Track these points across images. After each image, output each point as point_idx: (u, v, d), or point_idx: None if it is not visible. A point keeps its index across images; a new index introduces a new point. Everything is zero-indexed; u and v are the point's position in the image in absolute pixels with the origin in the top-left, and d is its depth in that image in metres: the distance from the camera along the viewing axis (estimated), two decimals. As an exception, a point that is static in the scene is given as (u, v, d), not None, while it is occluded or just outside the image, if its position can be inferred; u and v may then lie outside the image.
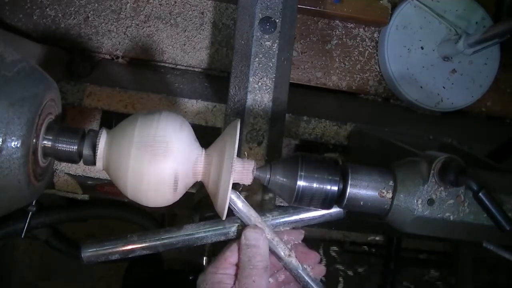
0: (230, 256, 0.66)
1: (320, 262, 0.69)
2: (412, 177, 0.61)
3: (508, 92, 1.17)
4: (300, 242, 0.69)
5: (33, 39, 1.01)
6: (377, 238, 1.78)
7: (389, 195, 0.61)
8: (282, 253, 0.66)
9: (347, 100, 1.12)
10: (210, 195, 0.64)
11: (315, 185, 0.61)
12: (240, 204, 0.66)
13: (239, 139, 0.64)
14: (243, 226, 0.68)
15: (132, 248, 0.69)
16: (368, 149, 0.97)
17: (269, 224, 0.69)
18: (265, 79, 0.83)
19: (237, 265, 0.65)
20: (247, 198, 0.68)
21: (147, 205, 0.62)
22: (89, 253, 0.68)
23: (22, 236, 0.96)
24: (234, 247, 0.66)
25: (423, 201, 0.60)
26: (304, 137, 1.04)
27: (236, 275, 0.65)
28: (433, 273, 2.04)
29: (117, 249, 0.69)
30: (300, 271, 0.66)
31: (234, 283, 0.64)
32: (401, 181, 0.61)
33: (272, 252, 0.66)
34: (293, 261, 0.66)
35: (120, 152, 0.60)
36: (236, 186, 0.66)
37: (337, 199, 0.62)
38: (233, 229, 0.68)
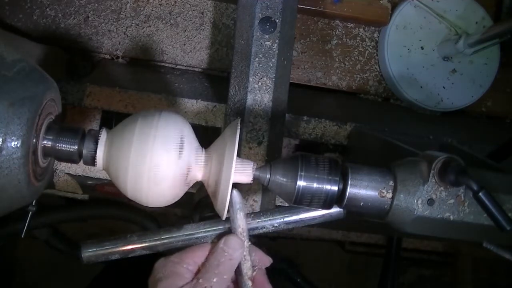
0: (199, 255, 0.65)
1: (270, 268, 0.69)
2: (412, 177, 0.61)
3: (508, 92, 1.17)
4: (263, 269, 0.69)
5: (33, 39, 1.01)
6: (377, 238, 1.78)
7: (389, 195, 0.61)
8: (245, 272, 0.66)
9: (347, 100, 1.12)
10: (210, 195, 0.64)
11: (315, 185, 0.61)
12: (237, 206, 0.66)
13: (239, 139, 0.64)
14: (227, 230, 0.68)
15: (132, 248, 0.69)
16: (368, 149, 0.97)
17: (268, 224, 0.69)
18: (265, 79, 0.83)
19: (200, 266, 0.65)
20: (247, 198, 0.68)
21: (147, 205, 0.62)
22: (89, 253, 0.68)
23: (22, 236, 0.96)
24: (206, 247, 0.66)
25: (423, 201, 0.60)
26: (304, 137, 1.04)
27: (196, 273, 0.64)
28: (433, 273, 2.04)
29: (117, 249, 0.69)
30: None
31: (192, 280, 0.63)
32: (401, 181, 0.61)
33: (237, 266, 0.66)
34: (249, 284, 0.66)
35: (120, 152, 0.60)
36: (236, 186, 0.66)
37: (337, 199, 0.62)
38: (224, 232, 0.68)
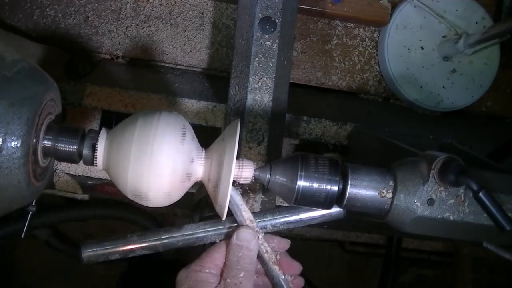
0: (217, 257, 0.65)
1: (301, 274, 0.69)
2: (412, 177, 0.61)
3: (508, 92, 1.17)
4: (285, 252, 0.69)
5: (33, 39, 1.01)
6: (377, 238, 1.78)
7: (389, 195, 0.61)
8: (268, 259, 0.66)
9: (347, 100, 1.12)
10: (210, 195, 0.64)
11: (315, 185, 0.61)
12: (238, 202, 0.66)
13: (239, 139, 0.64)
14: (235, 226, 0.68)
15: (132, 248, 0.69)
16: (368, 149, 0.97)
17: (268, 224, 0.69)
18: (265, 79, 0.83)
19: (222, 268, 0.65)
20: (247, 199, 0.68)
21: (147, 205, 0.62)
22: (89, 253, 0.68)
23: (22, 236, 0.96)
24: (221, 247, 0.66)
25: (423, 201, 0.60)
26: (304, 137, 1.04)
27: (220, 275, 0.64)
28: (433, 273, 2.04)
29: (117, 249, 0.69)
30: (281, 279, 0.66)
31: (219, 283, 0.63)
32: (401, 181, 0.61)
33: (259, 256, 0.66)
34: (277, 269, 0.66)
35: (120, 152, 0.60)
36: (236, 186, 0.66)
37: (337, 199, 0.62)
38: (233, 229, 0.68)
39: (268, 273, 0.67)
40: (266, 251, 0.66)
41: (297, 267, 0.69)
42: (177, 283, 0.65)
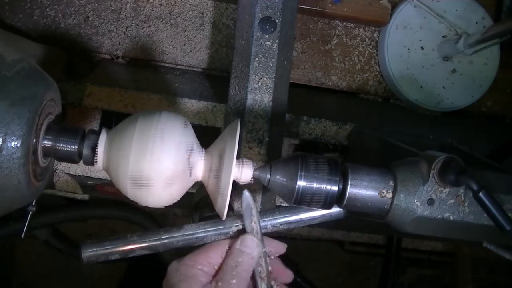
0: (213, 256, 0.64)
1: (291, 283, 0.68)
2: (412, 177, 0.61)
3: (508, 92, 1.17)
4: (279, 258, 0.69)
5: (33, 39, 1.01)
6: (377, 238, 1.79)
7: (389, 195, 0.61)
8: (258, 272, 0.65)
9: (347, 100, 1.12)
10: (210, 195, 0.64)
11: (315, 185, 0.61)
12: (253, 211, 0.65)
13: (239, 139, 0.64)
14: (236, 228, 0.68)
15: (132, 248, 0.69)
16: (368, 149, 0.97)
17: (268, 224, 0.70)
18: (265, 79, 0.83)
19: (217, 268, 0.64)
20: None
21: (147, 205, 0.62)
22: (89, 253, 0.68)
23: (22, 236, 0.96)
24: (219, 247, 0.65)
25: (423, 201, 0.60)
26: (304, 137, 1.04)
27: (213, 276, 0.63)
28: (433, 273, 2.04)
29: (117, 249, 0.69)
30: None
31: (210, 282, 0.62)
32: (401, 181, 0.61)
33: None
34: (266, 279, 0.65)
35: (120, 152, 0.60)
36: (240, 186, 0.66)
37: (337, 199, 0.62)
38: (233, 229, 0.68)
39: (255, 285, 0.66)
40: (261, 265, 0.66)
41: (288, 275, 0.68)
42: (167, 275, 0.64)
